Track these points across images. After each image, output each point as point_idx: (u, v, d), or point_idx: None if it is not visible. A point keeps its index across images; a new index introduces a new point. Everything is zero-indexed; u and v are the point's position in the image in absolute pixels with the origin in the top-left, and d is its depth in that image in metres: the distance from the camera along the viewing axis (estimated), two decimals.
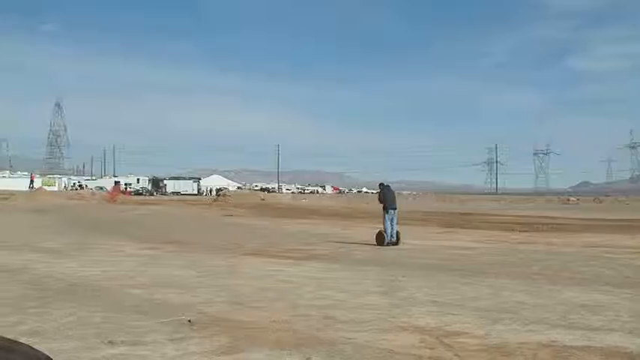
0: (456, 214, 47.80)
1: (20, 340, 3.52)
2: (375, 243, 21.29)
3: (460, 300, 10.36)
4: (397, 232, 21.67)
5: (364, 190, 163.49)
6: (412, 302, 10.06)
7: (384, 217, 21.73)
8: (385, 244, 21.07)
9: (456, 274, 13.82)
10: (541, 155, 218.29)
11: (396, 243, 21.29)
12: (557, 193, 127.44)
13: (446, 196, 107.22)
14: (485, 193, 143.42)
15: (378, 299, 10.37)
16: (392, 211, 21.75)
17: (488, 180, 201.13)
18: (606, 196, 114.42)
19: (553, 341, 7.50)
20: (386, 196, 22.28)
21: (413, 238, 23.70)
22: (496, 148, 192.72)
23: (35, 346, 3.46)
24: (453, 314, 9.08)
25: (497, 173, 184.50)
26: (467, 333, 7.91)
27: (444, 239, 23.76)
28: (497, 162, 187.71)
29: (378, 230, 21.88)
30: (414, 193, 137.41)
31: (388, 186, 23.11)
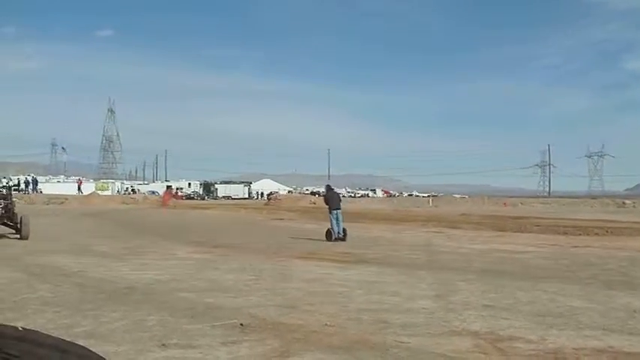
0: (508, 217, 47.18)
1: (76, 342, 3.58)
2: (325, 239, 23.65)
3: (514, 304, 10.22)
4: (344, 229, 24.04)
5: (415, 193, 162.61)
6: (465, 306, 9.96)
7: (330, 217, 24.24)
8: (333, 239, 23.36)
9: (510, 277, 13.66)
10: (595, 157, 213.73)
11: (344, 239, 23.53)
12: (612, 196, 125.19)
13: (497, 198, 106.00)
14: (538, 196, 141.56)
15: (431, 303, 10.29)
16: (336, 211, 24.16)
17: (541, 183, 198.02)
18: None
19: (610, 347, 7.35)
20: (331, 199, 25.06)
21: (466, 242, 23.54)
22: (549, 150, 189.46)
23: (90, 348, 3.51)
24: (507, 319, 8.97)
25: (550, 176, 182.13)
26: (521, 338, 7.80)
27: (496, 243, 23.47)
28: (549, 164, 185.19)
29: (327, 229, 24.24)
30: (465, 196, 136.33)
31: (333, 189, 26.60)
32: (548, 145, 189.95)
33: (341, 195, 32.15)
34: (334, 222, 24.07)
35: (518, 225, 35.67)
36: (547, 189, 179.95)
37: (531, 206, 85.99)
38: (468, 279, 13.32)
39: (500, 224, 36.51)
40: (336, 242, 22.98)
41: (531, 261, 17.41)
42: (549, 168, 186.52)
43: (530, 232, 30.00)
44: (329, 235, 23.92)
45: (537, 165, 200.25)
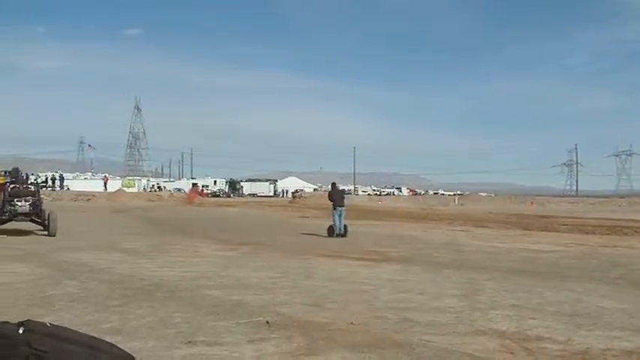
0: (535, 216, 46.89)
1: (103, 338, 3.59)
2: (326, 234, 24.70)
3: (541, 304, 10.14)
4: (345, 225, 24.98)
5: (441, 191, 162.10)
6: (492, 305, 9.90)
7: (333, 213, 25.19)
8: (335, 235, 24.35)
9: (537, 277, 13.56)
10: (623, 156, 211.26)
11: (344, 235, 24.51)
12: None
13: (524, 197, 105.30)
14: (565, 195, 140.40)
15: (457, 302, 10.23)
16: (340, 208, 25.11)
17: (568, 182, 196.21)
18: None
19: (639, 348, 7.26)
20: (334, 196, 25.96)
21: (492, 241, 23.42)
22: (576, 148, 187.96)
23: (117, 345, 3.52)
24: (534, 318, 8.90)
25: (577, 175, 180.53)
26: (548, 338, 7.73)
27: (523, 242, 23.32)
28: (577, 163, 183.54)
29: (329, 225, 25.29)
30: (491, 195, 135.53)
31: (337, 186, 27.66)
32: (576, 144, 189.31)
33: (346, 191, 32.33)
34: (337, 218, 25.00)
35: (545, 224, 35.47)
36: (574, 188, 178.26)
37: (558, 205, 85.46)
38: (495, 278, 13.24)
39: (526, 223, 36.30)
40: (338, 238, 23.86)
41: (558, 260, 17.27)
42: (577, 167, 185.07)
43: (557, 232, 29.81)
44: (331, 231, 24.85)
45: (564, 164, 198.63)
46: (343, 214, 25.22)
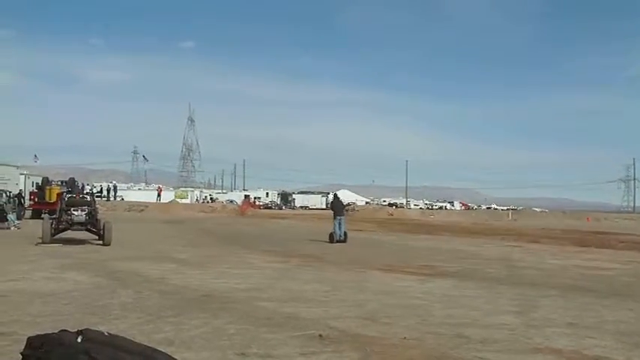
0: (591, 232, 46.03)
1: (158, 349, 3.59)
2: (328, 240, 27.37)
3: (598, 322, 9.92)
4: (345, 232, 27.94)
5: (494, 206, 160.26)
6: (548, 323, 9.72)
7: (334, 222, 28.03)
8: (335, 241, 27.12)
9: (593, 295, 13.28)
10: None
11: (344, 241, 27.37)
12: None
13: (579, 213, 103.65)
14: (622, 212, 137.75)
15: (512, 319, 10.07)
16: (339, 217, 27.98)
17: (625, 198, 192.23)
18: None
19: None
20: (335, 206, 29.33)
21: (547, 257, 23.07)
22: (634, 164, 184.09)
23: (172, 355, 3.52)
24: (592, 337, 8.71)
25: (635, 191, 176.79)
26: (606, 357, 7.56)
27: (579, 258, 22.89)
28: (634, 179, 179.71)
29: (327, 232, 28.37)
30: (545, 210, 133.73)
31: (338, 197, 31.72)
32: (634, 159, 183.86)
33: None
34: (336, 226, 27.82)
35: (602, 241, 34.79)
36: (632, 204, 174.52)
37: (614, 222, 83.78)
38: (550, 295, 13.01)
39: (582, 239, 35.65)
40: (337, 244, 26.67)
41: (616, 278, 16.92)
42: (634, 183, 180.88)
43: (614, 249, 29.18)
44: (331, 237, 27.58)
45: (621, 179, 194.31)
46: (343, 222, 28.07)
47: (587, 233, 44.11)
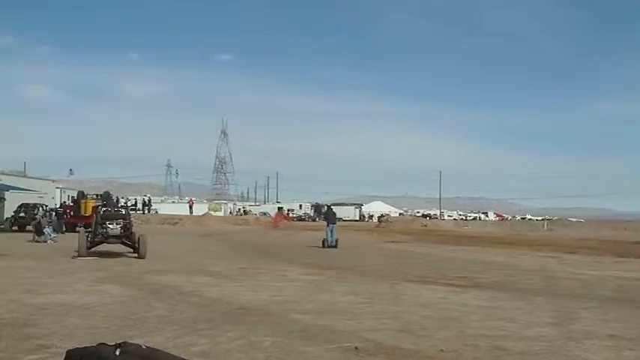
0: (629, 242, 45.29)
1: None
2: (321, 245, 31.29)
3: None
4: (337, 239, 31.72)
5: (528, 216, 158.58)
6: (587, 335, 9.56)
7: (326, 230, 32.05)
8: (326, 246, 30.99)
9: (633, 306, 13.08)
10: None
11: (335, 246, 31.09)
12: None
13: (616, 223, 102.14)
14: None
15: (550, 330, 9.94)
16: (332, 225, 31.94)
17: None
18: None
19: None
20: (327, 215, 34.33)
21: (584, 268, 22.76)
22: None
23: None
24: (633, 350, 8.58)
25: None
26: None
27: (617, 269, 22.55)
28: None
29: (321, 239, 32.41)
30: (581, 220, 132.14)
31: (331, 208, 38.21)
32: None
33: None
34: (329, 234, 31.72)
35: None
36: None
37: None
38: (589, 307, 12.81)
39: (620, 250, 35.07)
40: (329, 249, 30.25)
41: None
42: None
43: None
44: (323, 243, 31.62)
45: None
46: (335, 230, 32.04)
47: (625, 243, 43.43)
